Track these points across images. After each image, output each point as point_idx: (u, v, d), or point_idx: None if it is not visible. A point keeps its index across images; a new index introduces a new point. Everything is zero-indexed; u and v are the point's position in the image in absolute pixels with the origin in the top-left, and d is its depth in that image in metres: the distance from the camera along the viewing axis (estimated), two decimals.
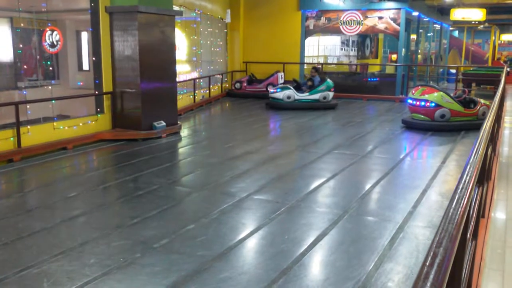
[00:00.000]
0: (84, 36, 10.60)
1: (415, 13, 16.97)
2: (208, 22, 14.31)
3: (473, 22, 22.96)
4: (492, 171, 5.10)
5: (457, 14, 18.51)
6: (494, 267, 3.11)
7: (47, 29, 7.86)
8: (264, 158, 7.33)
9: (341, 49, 21.19)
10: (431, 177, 6.11)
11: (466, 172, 1.91)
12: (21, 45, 9.13)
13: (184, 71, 13.02)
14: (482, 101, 9.97)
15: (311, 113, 11.88)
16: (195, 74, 13.48)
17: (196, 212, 4.93)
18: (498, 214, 4.17)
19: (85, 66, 10.77)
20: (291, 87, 12.53)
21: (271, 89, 12.89)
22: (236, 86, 15.15)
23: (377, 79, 15.98)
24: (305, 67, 16.37)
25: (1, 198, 5.43)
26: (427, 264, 1.11)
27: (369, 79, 16.07)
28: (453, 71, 20.15)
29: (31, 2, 8.33)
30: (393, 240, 4.07)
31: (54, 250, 3.86)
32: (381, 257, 3.74)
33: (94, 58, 8.60)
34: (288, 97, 12.28)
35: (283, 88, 12.55)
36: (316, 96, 12.49)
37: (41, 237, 4.20)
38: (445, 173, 6.41)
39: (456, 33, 31.00)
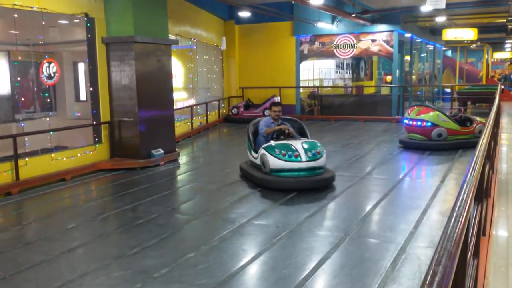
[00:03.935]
0: (81, 67, 10.68)
1: (408, 35, 17.23)
2: (204, 49, 14.48)
3: (465, 42, 23.30)
4: (491, 189, 5.09)
5: (449, 34, 18.84)
6: (498, 286, 3.07)
7: (44, 61, 7.93)
8: None
9: (336, 72, 21.40)
10: (431, 197, 6.10)
11: (463, 190, 1.91)
12: (18, 78, 9.19)
13: (181, 99, 13.09)
14: (478, 119, 10.03)
15: None
16: (192, 101, 13.56)
17: (196, 240, 4.89)
18: (499, 231, 4.14)
19: (83, 96, 10.81)
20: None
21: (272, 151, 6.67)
22: (233, 111, 15.23)
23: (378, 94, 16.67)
24: (301, 90, 16.49)
25: None
26: (427, 283, 1.11)
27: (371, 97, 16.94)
28: (448, 90, 20.32)
29: (28, 35, 8.42)
30: (395, 261, 4.04)
31: (54, 283, 3.82)
32: (384, 279, 3.70)
33: (91, 89, 8.67)
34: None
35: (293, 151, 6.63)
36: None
37: (41, 270, 4.15)
38: (444, 192, 6.40)
39: (449, 53, 31.38)
